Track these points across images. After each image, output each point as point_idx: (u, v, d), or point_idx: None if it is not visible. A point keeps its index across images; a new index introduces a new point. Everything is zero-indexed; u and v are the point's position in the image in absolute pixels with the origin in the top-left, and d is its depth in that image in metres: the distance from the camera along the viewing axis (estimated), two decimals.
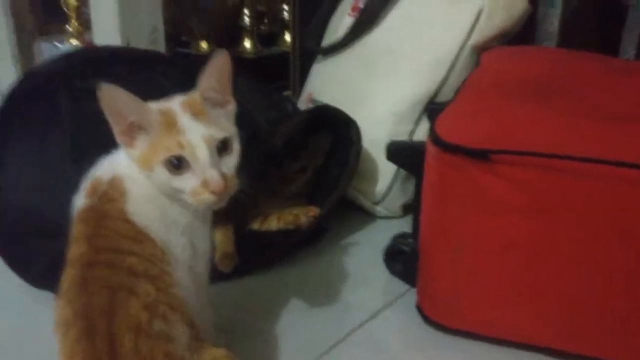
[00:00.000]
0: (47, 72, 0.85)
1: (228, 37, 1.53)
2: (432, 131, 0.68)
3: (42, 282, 0.80)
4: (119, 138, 0.55)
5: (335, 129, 0.97)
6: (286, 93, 1.43)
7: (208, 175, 0.52)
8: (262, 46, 1.58)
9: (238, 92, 0.97)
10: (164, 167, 0.52)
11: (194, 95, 0.56)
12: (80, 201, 0.56)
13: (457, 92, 0.80)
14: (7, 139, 0.81)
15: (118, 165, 0.57)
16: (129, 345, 0.47)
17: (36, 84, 0.84)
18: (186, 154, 0.52)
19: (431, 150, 0.68)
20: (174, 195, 0.54)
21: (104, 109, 0.53)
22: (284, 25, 1.65)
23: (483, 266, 0.68)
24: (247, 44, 1.55)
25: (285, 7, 1.62)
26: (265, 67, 1.54)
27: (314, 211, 0.90)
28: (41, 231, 0.79)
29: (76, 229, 0.55)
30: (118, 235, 0.53)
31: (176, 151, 0.51)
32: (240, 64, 1.47)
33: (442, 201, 0.69)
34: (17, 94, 0.83)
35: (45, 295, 0.80)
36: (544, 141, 0.63)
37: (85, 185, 0.57)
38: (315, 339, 0.75)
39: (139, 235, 0.53)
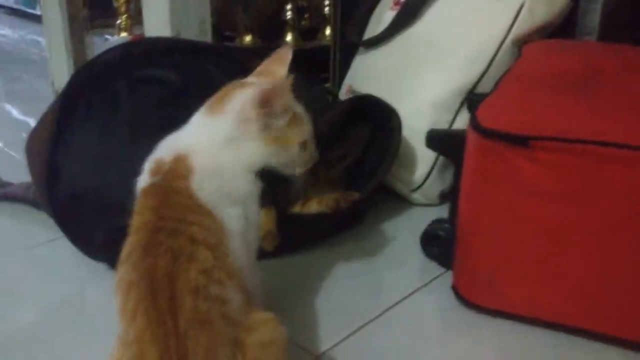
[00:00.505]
0: (107, 60, 0.91)
1: (271, 31, 1.58)
2: (474, 119, 0.71)
3: (98, 254, 0.86)
4: (266, 122, 0.62)
5: (376, 117, 1.00)
6: (326, 86, 1.47)
7: (314, 152, 0.69)
8: (303, 40, 1.62)
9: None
10: (298, 147, 0.66)
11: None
12: (144, 180, 0.62)
13: (499, 82, 0.83)
14: (71, 122, 0.87)
15: (182, 144, 0.62)
16: (189, 306, 0.51)
17: (97, 72, 0.90)
18: (307, 138, 0.67)
19: (472, 136, 0.71)
20: (287, 165, 0.66)
21: (279, 98, 0.62)
22: (324, 20, 1.68)
23: (520, 248, 0.70)
24: (289, 37, 1.60)
25: (326, 2, 1.66)
26: (305, 60, 1.57)
27: (353, 196, 0.94)
28: (99, 208, 0.85)
29: (141, 203, 0.60)
30: (182, 208, 0.58)
31: (305, 137, 0.67)
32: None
33: (481, 186, 0.71)
34: (80, 80, 0.90)
35: (100, 266, 0.87)
36: (582, 129, 0.66)
37: (149, 166, 0.62)
38: (353, 315, 0.79)
39: (201, 209, 0.58)
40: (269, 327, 0.56)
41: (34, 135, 0.93)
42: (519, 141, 0.66)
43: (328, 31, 1.66)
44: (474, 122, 0.70)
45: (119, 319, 0.54)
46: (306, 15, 1.72)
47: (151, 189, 0.60)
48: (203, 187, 0.59)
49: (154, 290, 0.52)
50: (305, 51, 1.61)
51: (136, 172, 0.82)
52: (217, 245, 0.57)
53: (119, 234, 0.81)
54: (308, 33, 1.67)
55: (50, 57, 1.67)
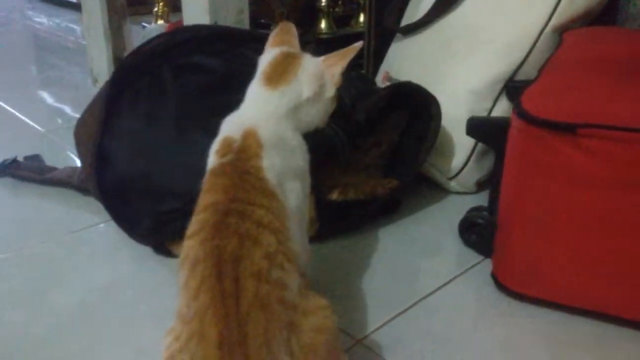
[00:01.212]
0: (152, 48, 0.93)
1: (306, 18, 1.58)
2: (519, 106, 0.70)
3: (144, 238, 0.89)
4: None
5: (414, 105, 1.00)
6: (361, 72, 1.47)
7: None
8: (336, 27, 1.63)
9: None
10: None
11: None
12: (213, 161, 0.63)
13: (542, 69, 0.83)
14: (119, 108, 0.89)
15: (248, 120, 0.65)
16: (251, 290, 0.52)
17: (143, 60, 0.92)
18: None
19: (516, 124, 0.71)
20: (324, 118, 0.71)
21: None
22: (358, 7, 1.68)
23: (564, 236, 0.70)
24: (323, 24, 1.60)
25: None
26: (339, 47, 1.57)
27: (392, 183, 0.95)
28: (147, 192, 0.87)
29: (212, 181, 0.61)
30: (253, 190, 0.59)
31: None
32: (317, 43, 1.53)
33: (525, 173, 0.72)
34: (127, 68, 0.92)
35: (144, 250, 0.89)
36: (630, 116, 0.65)
37: (216, 147, 0.64)
38: (392, 301, 0.80)
39: (268, 192, 0.60)
40: (324, 313, 0.57)
41: (83, 121, 0.96)
42: (566, 129, 0.66)
43: (361, 18, 1.66)
44: (518, 110, 0.70)
45: (179, 294, 0.55)
46: (339, 2, 1.72)
47: (223, 168, 0.61)
48: (271, 163, 0.62)
49: (219, 271, 0.53)
50: (338, 38, 1.61)
51: (182, 157, 0.85)
52: (280, 230, 0.58)
53: (166, 219, 0.84)
54: (341, 20, 1.67)
55: (88, 44, 1.70)
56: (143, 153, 0.88)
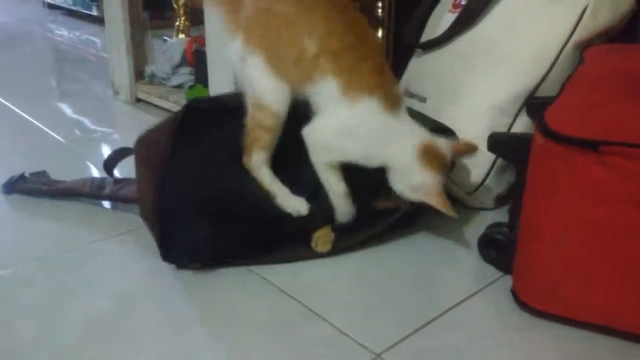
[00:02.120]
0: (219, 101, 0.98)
1: None
2: (541, 123, 0.71)
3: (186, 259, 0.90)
4: None
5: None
6: None
7: None
8: None
9: None
10: None
11: None
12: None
13: (564, 86, 0.83)
14: (187, 132, 0.90)
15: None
16: None
17: (209, 109, 0.94)
18: None
19: (539, 141, 0.71)
20: None
21: None
22: (376, 22, 1.69)
23: (587, 254, 0.70)
24: None
25: (380, 4, 1.66)
26: None
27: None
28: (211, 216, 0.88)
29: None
30: None
31: None
32: None
33: (548, 190, 0.71)
34: (193, 112, 0.91)
35: (162, 263, 0.90)
36: None
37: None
38: (411, 316, 0.80)
39: None
40: None
41: (145, 143, 0.96)
42: (589, 146, 0.66)
43: (380, 33, 1.67)
44: (541, 126, 0.70)
45: None
46: None
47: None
48: None
49: None
50: None
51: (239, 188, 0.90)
52: None
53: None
54: None
55: (110, 56, 1.74)
56: (200, 179, 0.90)
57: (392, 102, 0.86)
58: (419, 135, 0.88)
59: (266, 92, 0.87)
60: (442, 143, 0.88)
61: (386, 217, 0.94)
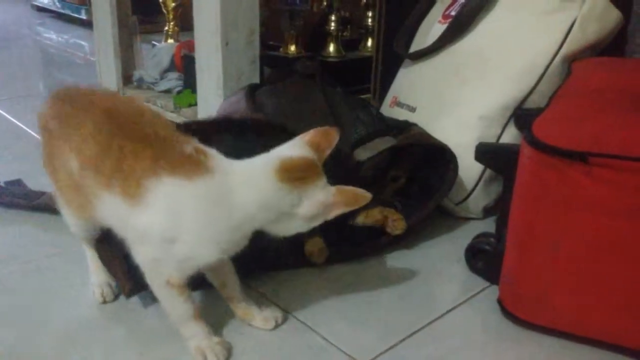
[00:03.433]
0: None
1: (314, 42, 1.60)
2: (529, 133, 0.71)
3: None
4: None
5: (423, 151, 1.00)
6: (367, 97, 1.48)
7: None
8: (345, 51, 1.65)
9: (331, 104, 1.04)
10: None
11: None
12: None
13: (552, 98, 0.83)
14: None
15: None
16: None
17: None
18: None
19: (527, 151, 0.71)
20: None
21: None
22: (366, 31, 1.70)
23: (575, 265, 0.70)
24: (332, 48, 1.62)
25: (370, 13, 1.67)
26: (347, 70, 1.60)
27: (401, 227, 0.92)
28: None
29: None
30: None
31: None
32: (325, 66, 1.55)
33: (536, 201, 0.71)
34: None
35: None
36: None
37: None
38: (398, 325, 0.79)
39: None
40: None
41: None
42: (578, 157, 0.66)
43: (369, 42, 1.68)
44: (529, 137, 0.70)
45: None
46: (348, 26, 1.74)
47: None
48: None
49: None
50: (346, 62, 1.63)
51: None
52: None
53: None
54: (349, 44, 1.69)
55: (98, 60, 1.72)
56: None
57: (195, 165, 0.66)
58: (259, 163, 0.68)
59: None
60: (291, 150, 0.69)
61: (374, 239, 0.94)
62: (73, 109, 0.72)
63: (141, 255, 0.68)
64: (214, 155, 0.68)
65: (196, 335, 0.71)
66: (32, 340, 0.75)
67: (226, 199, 0.65)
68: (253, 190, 0.66)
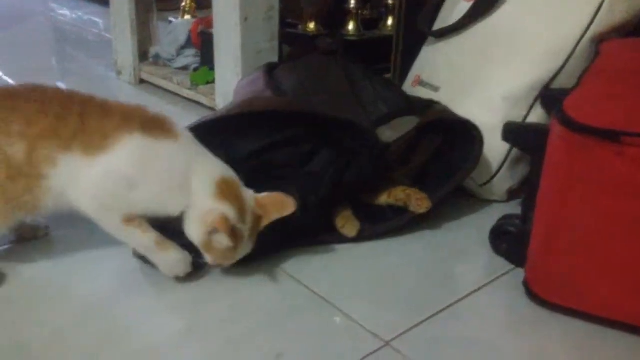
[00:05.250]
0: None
1: (334, 20, 1.58)
2: (560, 112, 0.69)
3: None
4: None
5: (448, 129, 0.99)
6: (387, 76, 1.46)
7: None
8: (364, 29, 1.62)
9: (352, 82, 1.02)
10: None
11: None
12: None
13: (582, 77, 0.81)
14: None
15: None
16: None
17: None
18: None
19: (558, 130, 0.70)
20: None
21: None
22: (387, 10, 1.68)
23: (605, 247, 0.69)
24: (351, 26, 1.60)
25: None
26: (366, 49, 1.58)
27: (425, 205, 0.91)
28: None
29: None
30: None
31: None
32: (344, 45, 1.53)
33: (566, 182, 0.70)
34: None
35: None
36: None
37: None
38: (422, 305, 0.79)
39: None
40: None
41: None
42: (610, 136, 0.65)
43: (389, 21, 1.65)
44: (561, 117, 0.69)
45: None
46: (368, 5, 1.72)
47: None
48: None
49: None
50: (366, 40, 1.61)
51: None
52: None
53: None
54: (369, 22, 1.67)
55: (114, 36, 1.71)
56: None
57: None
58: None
59: None
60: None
61: (399, 216, 0.93)
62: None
63: (93, 202, 0.76)
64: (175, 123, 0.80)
65: (169, 253, 0.79)
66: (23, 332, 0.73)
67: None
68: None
